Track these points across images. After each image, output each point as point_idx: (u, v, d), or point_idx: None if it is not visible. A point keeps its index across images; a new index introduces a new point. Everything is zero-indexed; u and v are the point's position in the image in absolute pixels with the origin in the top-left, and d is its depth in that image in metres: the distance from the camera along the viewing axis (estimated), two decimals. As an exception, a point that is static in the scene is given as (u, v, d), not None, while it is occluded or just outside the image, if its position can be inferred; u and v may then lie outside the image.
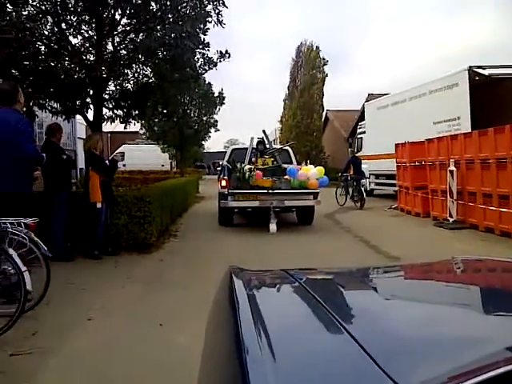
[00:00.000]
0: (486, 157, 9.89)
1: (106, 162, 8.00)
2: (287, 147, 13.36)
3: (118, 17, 8.23)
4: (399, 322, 1.21)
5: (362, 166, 19.14)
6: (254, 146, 12.02)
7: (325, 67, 33.65)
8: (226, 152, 13.82)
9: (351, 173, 16.30)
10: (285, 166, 11.40)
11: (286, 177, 10.79)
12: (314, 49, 33.67)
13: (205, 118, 24.15)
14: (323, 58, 33.61)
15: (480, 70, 12.84)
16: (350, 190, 16.28)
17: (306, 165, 12.13)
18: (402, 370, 0.87)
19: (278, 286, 1.74)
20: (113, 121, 9.67)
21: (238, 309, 1.28)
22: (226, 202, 10.51)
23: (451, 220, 10.86)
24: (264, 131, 12.93)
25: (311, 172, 10.66)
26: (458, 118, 13.66)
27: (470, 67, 13.05)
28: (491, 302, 1.43)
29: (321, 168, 11.09)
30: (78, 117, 10.62)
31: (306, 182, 10.40)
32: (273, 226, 10.34)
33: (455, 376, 0.82)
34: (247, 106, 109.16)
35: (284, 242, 9.29)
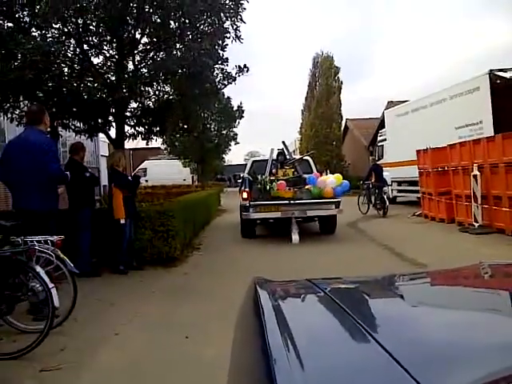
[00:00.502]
0: (510, 160, 9.76)
1: (129, 178, 8.12)
2: (307, 157, 13.42)
3: (138, 36, 8.38)
4: (428, 329, 1.18)
5: (384, 173, 19.11)
6: (274, 158, 12.05)
7: (339, 75, 33.71)
8: (246, 164, 14.03)
9: (373, 180, 16.25)
10: (305, 176, 11.44)
11: (307, 187, 10.88)
12: (329, 58, 33.76)
13: (224, 132, 24.32)
14: (336, 67, 33.67)
15: (501, 73, 12.77)
16: (373, 197, 16.19)
17: (326, 174, 12.09)
18: (434, 379, 0.86)
19: (303, 295, 1.71)
20: (135, 138, 9.81)
21: (263, 320, 1.26)
22: (248, 214, 10.54)
23: (477, 225, 10.72)
24: (284, 142, 13.05)
25: (329, 180, 10.74)
26: (480, 122, 13.50)
27: (491, 71, 12.95)
28: None
29: (338, 175, 11.19)
30: (101, 135, 10.80)
31: (322, 190, 10.47)
32: (295, 237, 10.36)
33: (489, 382, 0.80)
34: (267, 118, 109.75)
35: (307, 252, 9.27)
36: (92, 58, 8.38)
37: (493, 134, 11.66)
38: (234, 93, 28.65)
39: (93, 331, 4.70)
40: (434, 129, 15.26)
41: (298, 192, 10.66)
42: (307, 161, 12.89)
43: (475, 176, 10.69)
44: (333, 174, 12.33)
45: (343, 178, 11.13)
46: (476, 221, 10.76)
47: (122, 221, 7.32)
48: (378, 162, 21.29)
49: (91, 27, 7.90)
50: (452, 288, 1.78)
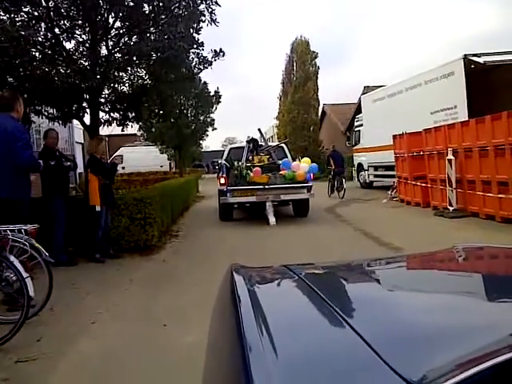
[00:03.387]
0: (484, 144, 9.90)
1: (107, 165, 8.01)
2: (282, 144, 14.04)
3: (111, 20, 8.20)
4: (402, 313, 1.20)
5: (361, 158, 19.44)
6: (251, 145, 12.58)
7: (316, 60, 33.63)
8: (224, 151, 14.58)
9: (333, 167, 17.34)
10: (280, 162, 12.03)
11: (280, 172, 11.44)
12: (304, 43, 33.62)
13: (202, 118, 24.13)
14: (313, 51, 33.57)
15: (475, 58, 12.82)
16: (336, 182, 17.34)
17: (299, 160, 12.36)
18: (405, 362, 0.87)
19: (278, 281, 1.74)
20: (110, 124, 9.65)
21: (239, 305, 1.28)
22: (226, 199, 11.26)
23: (451, 209, 10.90)
24: (259, 130, 13.83)
25: (302, 165, 11.49)
26: (455, 106, 13.64)
27: (466, 55, 13.04)
28: (494, 289, 1.44)
29: (307, 159, 12.09)
30: (76, 121, 10.60)
31: (296, 174, 11.09)
32: (272, 219, 10.92)
33: (460, 364, 0.82)
34: (245, 104, 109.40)
35: (285, 234, 9.49)
36: (64, 43, 8.17)
37: (467, 119, 11.79)
38: (210, 78, 28.44)
39: (69, 321, 4.64)
40: (410, 114, 15.35)
41: (273, 177, 11.22)
42: (282, 148, 13.44)
43: (450, 160, 10.84)
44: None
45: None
46: (451, 204, 10.93)
47: (98, 208, 7.22)
48: (356, 147, 21.61)
49: (62, 10, 7.69)
50: (426, 272, 1.81)
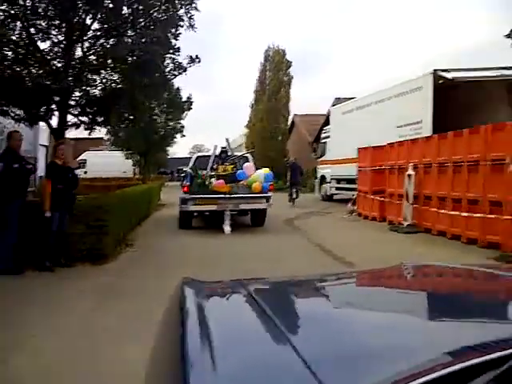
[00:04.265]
0: (443, 160, 10.09)
1: (72, 170, 7.68)
2: (247, 154, 14.16)
3: (88, 21, 8.17)
4: (346, 331, 1.24)
5: (325, 170, 19.80)
6: (217, 154, 12.76)
7: (290, 70, 33.95)
8: (190, 158, 14.68)
9: (288, 178, 18.93)
10: (238, 172, 12.05)
11: (242, 182, 11.55)
12: (280, 52, 33.92)
13: (171, 124, 23.97)
14: (288, 61, 33.90)
15: (444, 74, 13.00)
16: (292, 192, 19.10)
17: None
18: (340, 381, 0.92)
19: (228, 296, 1.74)
20: (77, 127, 9.55)
21: (186, 319, 1.30)
22: (187, 206, 11.42)
23: (405, 224, 11.06)
24: (227, 139, 13.98)
25: (258, 171, 11.80)
26: (420, 121, 13.69)
27: (435, 70, 13.16)
28: (436, 308, 1.50)
29: (265, 169, 12.25)
30: (41, 123, 10.45)
31: (251, 186, 11.32)
32: (227, 228, 11.22)
33: (404, 379, 0.87)
34: (216, 111, 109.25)
35: (241, 244, 9.55)
36: (38, 43, 8.09)
37: (431, 134, 11.96)
38: (183, 83, 28.29)
39: (8, 333, 4.34)
40: (377, 127, 15.36)
41: (234, 187, 11.38)
42: (247, 158, 13.52)
43: (409, 175, 11.05)
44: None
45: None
46: (405, 219, 11.10)
47: (47, 214, 6.91)
48: (321, 159, 21.68)
49: (40, 10, 7.63)
50: (374, 289, 1.87)
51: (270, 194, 11.71)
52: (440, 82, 13.03)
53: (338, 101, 24.72)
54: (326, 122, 22.91)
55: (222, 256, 8.37)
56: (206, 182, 11.43)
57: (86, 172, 25.33)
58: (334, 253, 8.50)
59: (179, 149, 59.99)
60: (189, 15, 8.24)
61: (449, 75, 12.93)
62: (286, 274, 3.17)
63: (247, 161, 13.23)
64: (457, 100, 13.32)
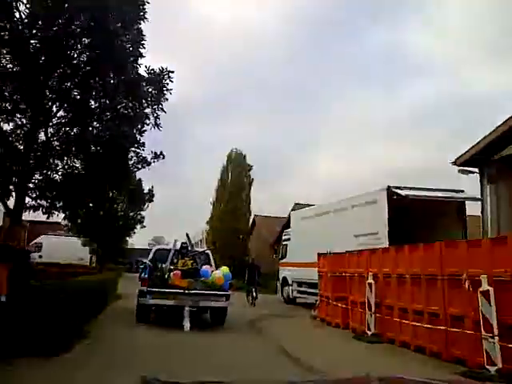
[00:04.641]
0: (401, 272, 10.25)
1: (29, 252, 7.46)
2: (207, 251, 14.79)
3: (54, 109, 8.27)
4: None
5: (286, 272, 19.98)
6: (177, 248, 12.95)
7: (250, 173, 35.07)
8: (150, 249, 15.42)
9: (246, 278, 19.99)
10: (202, 269, 12.28)
11: (202, 278, 11.70)
12: (242, 156, 35.27)
13: (132, 214, 23.85)
14: (248, 164, 35.17)
15: (398, 190, 13.67)
16: (249, 292, 19.88)
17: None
18: None
19: None
20: (35, 210, 9.32)
21: None
22: (145, 300, 11.30)
23: (369, 333, 10.95)
24: (187, 234, 14.30)
25: (217, 271, 12.08)
26: (377, 232, 14.15)
27: (389, 187, 13.89)
28: None
29: (225, 267, 12.60)
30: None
31: (214, 278, 11.57)
32: (187, 324, 10.94)
33: None
34: (177, 205, 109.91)
35: (201, 344, 9.28)
36: (1, 124, 8.07)
37: (387, 245, 12.33)
38: (146, 176, 28.55)
39: None
40: (336, 234, 15.83)
41: (194, 283, 11.43)
42: (207, 254, 14.13)
43: (370, 284, 11.10)
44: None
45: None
46: (369, 329, 11.00)
47: (2, 298, 6.63)
48: (283, 261, 21.82)
49: (6, 93, 7.70)
50: None
51: (229, 292, 11.78)
52: (394, 197, 13.67)
53: (298, 206, 26.08)
54: (287, 225, 23.43)
55: (180, 357, 8.04)
56: (165, 276, 11.41)
57: (40, 256, 24.49)
58: (297, 357, 8.36)
59: (138, 239, 59.09)
60: (155, 115, 8.48)
61: (402, 192, 13.61)
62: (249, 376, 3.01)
63: (207, 257, 13.78)
64: (411, 215, 14.12)
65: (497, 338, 7.15)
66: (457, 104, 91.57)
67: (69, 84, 7.89)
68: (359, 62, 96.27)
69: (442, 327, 8.73)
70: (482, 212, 14.39)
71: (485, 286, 7.44)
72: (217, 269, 12.74)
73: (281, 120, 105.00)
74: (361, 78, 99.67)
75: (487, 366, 7.19)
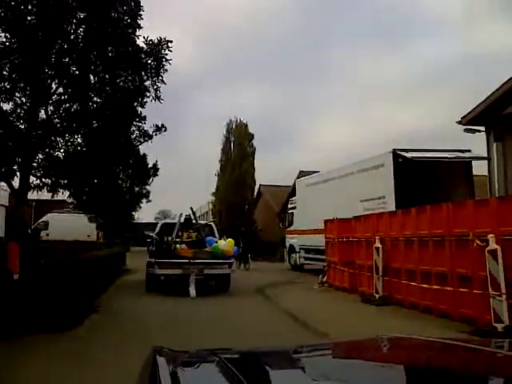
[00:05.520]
0: (409, 235, 10.28)
1: (29, 230, 7.58)
2: (211, 223, 15.85)
3: (54, 86, 8.17)
4: None
5: (292, 240, 20.13)
6: (182, 221, 13.77)
7: (253, 141, 34.87)
8: (156, 223, 16.23)
9: (241, 245, 20.04)
10: (207, 239, 13.09)
11: (206, 249, 12.42)
12: (243, 125, 34.95)
13: (137, 189, 23.85)
14: (250, 133, 34.91)
15: (403, 153, 13.56)
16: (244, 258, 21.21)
17: (224, 239, 13.69)
18: None
19: (202, 366, 1.70)
20: (40, 189, 9.33)
21: None
22: (154, 270, 12.12)
23: (377, 296, 11.06)
24: (191, 208, 14.98)
25: (222, 243, 12.62)
26: (384, 196, 14.18)
27: (395, 150, 13.80)
28: (413, 381, 1.47)
29: (231, 240, 13.22)
30: (2, 183, 10.15)
31: (224, 250, 12.23)
32: (192, 291, 11.71)
33: None
34: (183, 178, 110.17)
35: (210, 312, 9.50)
36: (1, 104, 8.00)
37: (394, 209, 12.32)
38: (150, 149, 28.47)
39: None
40: (342, 200, 15.79)
41: (198, 253, 12.15)
42: (210, 226, 15.10)
43: (377, 248, 11.16)
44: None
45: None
46: (377, 292, 11.11)
47: (15, 276, 6.72)
48: (288, 229, 21.97)
49: (4, 72, 7.60)
50: (350, 361, 1.84)
51: (232, 260, 12.61)
52: (400, 160, 13.61)
53: (303, 173, 25.82)
54: (293, 193, 23.42)
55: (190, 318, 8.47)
56: (172, 248, 12.15)
57: (47, 234, 24.63)
58: (309, 324, 8.39)
59: (145, 214, 59.27)
60: (155, 87, 8.36)
61: (408, 155, 13.49)
62: (258, 343, 3.05)
63: (211, 229, 14.69)
64: (418, 177, 13.97)
65: (504, 296, 7.22)
66: (469, 63, 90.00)
67: (67, 59, 7.77)
68: (369, 19, 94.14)
69: (449, 288, 8.80)
70: (488, 171, 14.31)
71: (492, 245, 7.46)
72: (220, 239, 13.53)
73: (283, 88, 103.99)
74: (370, 37, 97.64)
75: (495, 324, 7.30)
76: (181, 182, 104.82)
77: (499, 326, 7.19)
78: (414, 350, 1.99)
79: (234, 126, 35.36)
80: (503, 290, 7.23)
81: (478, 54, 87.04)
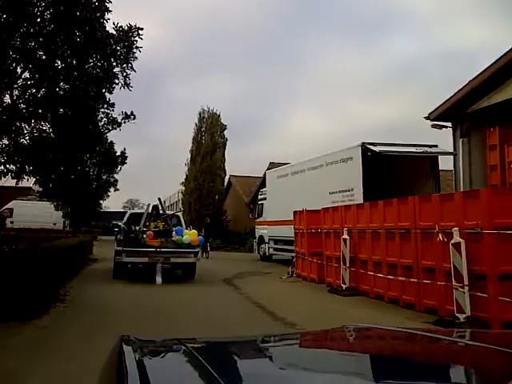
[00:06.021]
0: (376, 227, 10.45)
1: None
2: (178, 213, 16.59)
3: (19, 70, 7.91)
4: None
5: (262, 231, 20.23)
6: (150, 212, 14.39)
7: (225, 132, 34.72)
8: (124, 212, 17.11)
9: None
10: (174, 228, 13.64)
11: (172, 238, 12.92)
12: (215, 115, 34.71)
13: (104, 177, 23.45)
14: (222, 123, 34.71)
15: (372, 147, 13.72)
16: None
17: (190, 229, 14.70)
18: None
19: (169, 355, 1.68)
20: (4, 176, 9.07)
21: (126, 378, 1.22)
22: (121, 258, 12.62)
23: (344, 287, 11.21)
24: (159, 199, 15.54)
25: (186, 234, 13.20)
26: (352, 189, 14.30)
27: (363, 143, 13.93)
28: (377, 370, 1.48)
29: (194, 231, 14.05)
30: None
31: (191, 239, 12.85)
32: (158, 278, 12.24)
33: None
34: (152, 166, 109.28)
35: (176, 302, 9.54)
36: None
37: (362, 202, 12.47)
38: (118, 137, 27.95)
39: None
40: (311, 192, 15.96)
41: (165, 242, 12.72)
42: (177, 216, 15.76)
43: (345, 240, 11.30)
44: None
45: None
46: (344, 282, 11.26)
47: None
48: (258, 220, 22.09)
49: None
50: (316, 351, 1.86)
51: (197, 249, 13.14)
52: (368, 153, 13.74)
53: (273, 165, 26.31)
54: (263, 184, 23.48)
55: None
56: (139, 237, 12.62)
57: (12, 222, 24.06)
58: (277, 314, 8.47)
59: (113, 202, 58.53)
60: (124, 74, 8.18)
61: (376, 148, 13.65)
62: (224, 332, 3.08)
63: (178, 219, 15.28)
64: (385, 171, 14.32)
65: (467, 287, 7.43)
66: (438, 61, 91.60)
67: (33, 44, 7.52)
68: (339, 16, 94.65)
69: (414, 279, 8.99)
70: (454, 166, 14.63)
71: (456, 239, 7.65)
72: (187, 229, 14.31)
73: (256, 79, 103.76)
74: (341, 33, 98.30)
75: (457, 314, 7.50)
76: (151, 171, 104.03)
77: (461, 317, 7.39)
78: (379, 339, 2.02)
79: (206, 116, 35.09)
80: (466, 282, 7.43)
81: (451, 50, 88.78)
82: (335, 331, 2.09)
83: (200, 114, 35.33)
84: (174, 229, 13.52)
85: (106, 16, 7.93)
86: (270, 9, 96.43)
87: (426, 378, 1.37)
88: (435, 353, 1.73)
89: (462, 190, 13.10)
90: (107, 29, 7.66)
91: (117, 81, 8.16)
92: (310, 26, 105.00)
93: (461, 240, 7.58)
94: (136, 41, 8.17)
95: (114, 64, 8.05)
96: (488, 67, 12.76)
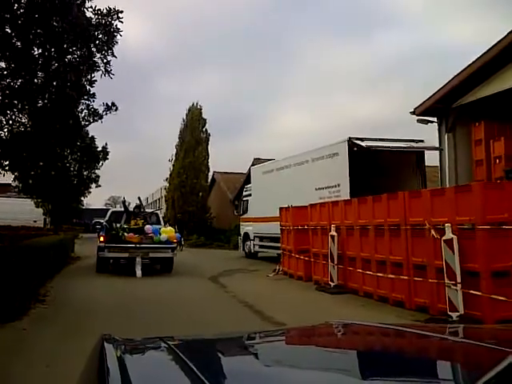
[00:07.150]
0: (364, 223, 10.29)
1: None
2: (157, 211, 18.29)
3: (-6, 59, 7.55)
4: None
5: (247, 228, 20.04)
6: (130, 210, 15.48)
7: (207, 127, 34.47)
8: (107, 209, 18.07)
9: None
10: (152, 226, 14.75)
11: (150, 234, 13.93)
12: (197, 109, 34.38)
13: (85, 173, 23.05)
14: (203, 118, 34.40)
15: (358, 142, 13.57)
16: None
17: (167, 226, 15.79)
18: None
19: (151, 353, 1.68)
20: (-19, 171, 8.71)
21: (107, 377, 1.21)
22: (104, 253, 13.79)
23: (332, 284, 11.04)
24: (139, 198, 17.05)
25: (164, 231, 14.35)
26: (338, 185, 14.16)
27: (350, 138, 13.76)
28: (362, 365, 1.49)
29: (171, 228, 15.29)
30: None
31: (169, 236, 14.03)
32: (138, 272, 13.36)
33: None
34: (135, 163, 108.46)
35: (161, 301, 9.44)
36: None
37: (349, 198, 12.31)
38: (100, 132, 27.56)
39: None
40: (297, 188, 15.76)
41: (144, 238, 13.77)
42: (157, 214, 17.30)
43: (332, 236, 11.12)
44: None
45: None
46: (332, 280, 11.08)
47: None
48: (243, 217, 21.85)
49: None
50: (302, 347, 1.87)
51: (174, 245, 14.16)
52: (355, 149, 13.61)
53: (258, 161, 25.98)
54: (248, 181, 23.25)
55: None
56: (120, 234, 13.64)
57: (-10, 219, 23.61)
58: (264, 312, 8.34)
59: (95, 199, 57.91)
60: (105, 61, 7.83)
61: (362, 143, 13.52)
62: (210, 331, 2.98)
63: (157, 217, 16.78)
64: (372, 166, 14.17)
65: (459, 285, 7.29)
66: (428, 56, 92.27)
67: (9, 31, 7.16)
68: (331, 10, 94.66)
69: (405, 277, 8.84)
70: (440, 161, 14.58)
71: (448, 235, 7.49)
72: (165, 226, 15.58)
73: (242, 74, 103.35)
74: (330, 27, 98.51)
75: (449, 313, 7.36)
76: (136, 167, 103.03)
77: (454, 315, 7.24)
78: (364, 335, 2.04)
79: (190, 111, 34.70)
80: (458, 279, 7.28)
81: (441, 46, 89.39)
82: (320, 327, 2.11)
83: (189, 110, 34.96)
84: (149, 226, 14.46)
85: (87, 4, 7.62)
86: (257, 5, 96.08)
87: (408, 372, 1.38)
88: (417, 347, 1.76)
89: (447, 185, 13.06)
90: (86, 14, 7.31)
91: (97, 69, 7.82)
92: (300, 21, 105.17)
93: (453, 236, 7.43)
94: (116, 25, 7.82)
95: (94, 50, 7.70)
96: (473, 62, 12.70)
